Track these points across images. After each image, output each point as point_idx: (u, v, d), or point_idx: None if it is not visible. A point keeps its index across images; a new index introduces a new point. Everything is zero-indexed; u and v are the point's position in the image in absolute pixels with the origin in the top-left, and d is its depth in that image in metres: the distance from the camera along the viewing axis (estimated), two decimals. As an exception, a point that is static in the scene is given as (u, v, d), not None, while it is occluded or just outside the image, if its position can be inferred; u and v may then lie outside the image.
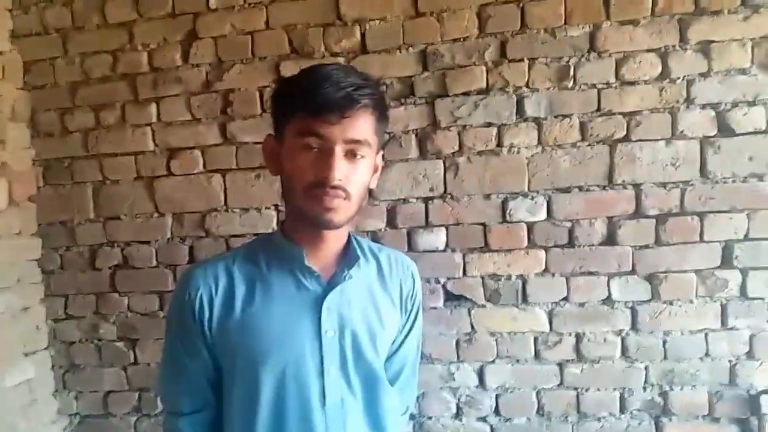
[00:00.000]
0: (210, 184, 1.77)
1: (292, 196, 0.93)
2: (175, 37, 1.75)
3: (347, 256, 1.02)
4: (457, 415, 1.72)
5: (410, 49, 1.66)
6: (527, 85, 1.62)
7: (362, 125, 0.89)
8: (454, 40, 1.63)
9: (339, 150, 0.87)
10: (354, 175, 0.90)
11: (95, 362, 1.88)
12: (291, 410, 0.94)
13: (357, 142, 0.89)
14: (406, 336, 1.13)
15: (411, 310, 1.13)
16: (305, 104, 0.87)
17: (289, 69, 1.68)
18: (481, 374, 1.70)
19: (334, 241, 1.00)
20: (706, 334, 1.60)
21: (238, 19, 1.72)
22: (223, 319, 0.95)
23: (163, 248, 1.81)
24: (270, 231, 1.68)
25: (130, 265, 1.83)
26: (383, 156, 1.05)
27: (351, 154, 0.90)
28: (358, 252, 1.03)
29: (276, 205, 1.75)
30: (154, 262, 1.82)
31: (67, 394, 1.90)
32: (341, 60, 1.67)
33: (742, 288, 1.58)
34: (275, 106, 0.97)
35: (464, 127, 1.65)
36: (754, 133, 1.54)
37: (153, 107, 1.78)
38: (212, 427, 1.01)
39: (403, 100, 1.66)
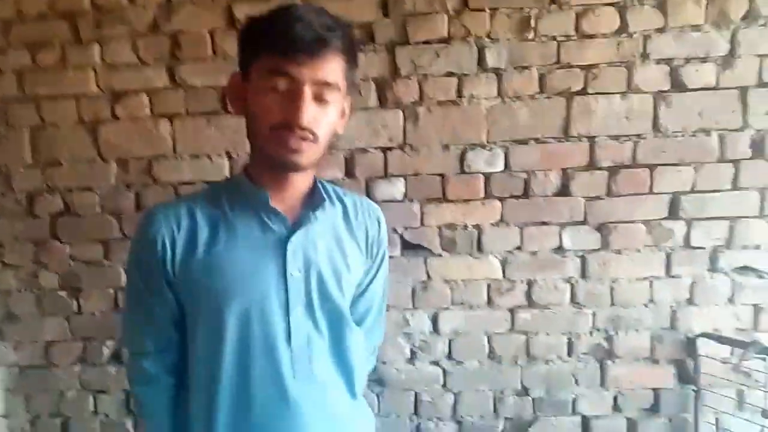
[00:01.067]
0: (157, 129, 1.79)
1: (257, 136, 0.97)
2: (119, -26, 1.73)
3: (312, 199, 1.06)
4: (411, 359, 1.84)
5: (370, -7, 1.69)
6: (488, 36, 1.68)
7: (332, 67, 0.92)
8: (416, -14, 1.68)
9: (308, 91, 0.90)
10: (322, 117, 0.94)
11: (35, 312, 1.89)
12: (256, 348, 0.98)
13: (326, 84, 0.92)
14: (372, 279, 1.19)
15: (377, 254, 1.19)
16: (274, 43, 0.90)
17: (242, 11, 1.70)
18: (435, 320, 1.82)
19: (299, 183, 1.04)
20: (650, 282, 1.76)
21: (188, -44, 1.70)
22: (186, 259, 0.99)
23: (108, 195, 1.83)
24: (225, 178, 1.73)
25: (72, 212, 1.84)
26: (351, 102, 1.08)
27: (320, 97, 0.93)
28: (324, 195, 1.07)
29: (228, 153, 1.78)
30: (98, 210, 1.83)
31: (4, 345, 1.92)
32: (298, 3, 1.68)
33: (686, 238, 1.73)
34: (243, 43, 0.99)
35: (425, 76, 1.71)
36: (705, 89, 1.67)
37: (95, 48, 1.77)
38: (177, 366, 1.06)
39: (362, 47, 1.69)
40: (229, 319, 0.97)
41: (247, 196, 1.03)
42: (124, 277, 1.79)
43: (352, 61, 0.98)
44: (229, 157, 1.79)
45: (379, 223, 1.20)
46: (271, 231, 1.01)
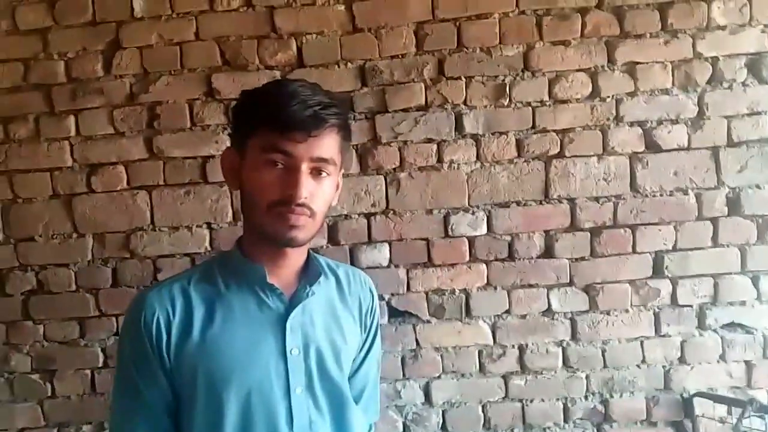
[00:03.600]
0: (135, 201, 1.92)
1: (253, 212, 1.05)
2: (95, 47, 1.90)
3: (308, 273, 1.15)
4: (404, 433, 1.95)
5: (348, 64, 1.90)
6: (465, 103, 1.89)
7: (328, 144, 1.02)
8: (393, 57, 1.89)
9: (305, 168, 1.00)
10: (319, 192, 1.03)
11: (6, 397, 1.95)
12: None
13: (323, 160, 1.02)
14: (367, 353, 1.28)
15: (370, 325, 1.28)
16: (271, 121, 0.99)
17: (222, 81, 1.89)
18: (427, 390, 1.95)
19: (295, 258, 1.13)
20: (641, 342, 1.93)
21: (166, 29, 1.89)
22: (182, 343, 1.03)
23: (83, 271, 1.94)
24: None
25: (46, 290, 1.94)
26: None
27: (316, 172, 1.02)
28: (319, 268, 1.16)
29: (209, 224, 1.92)
30: (74, 287, 1.94)
31: (-28, 436, 1.96)
32: (277, 73, 1.89)
33: (673, 296, 1.92)
34: (237, 119, 1.09)
35: (405, 143, 1.90)
36: (678, 149, 1.89)
37: (71, 120, 1.91)
38: None
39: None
40: (229, 405, 1.02)
41: (243, 272, 1.10)
42: (101, 358, 1.93)
43: (346, 137, 1.10)
44: (210, 228, 1.93)
45: (371, 292, 1.31)
46: (269, 308, 1.08)
